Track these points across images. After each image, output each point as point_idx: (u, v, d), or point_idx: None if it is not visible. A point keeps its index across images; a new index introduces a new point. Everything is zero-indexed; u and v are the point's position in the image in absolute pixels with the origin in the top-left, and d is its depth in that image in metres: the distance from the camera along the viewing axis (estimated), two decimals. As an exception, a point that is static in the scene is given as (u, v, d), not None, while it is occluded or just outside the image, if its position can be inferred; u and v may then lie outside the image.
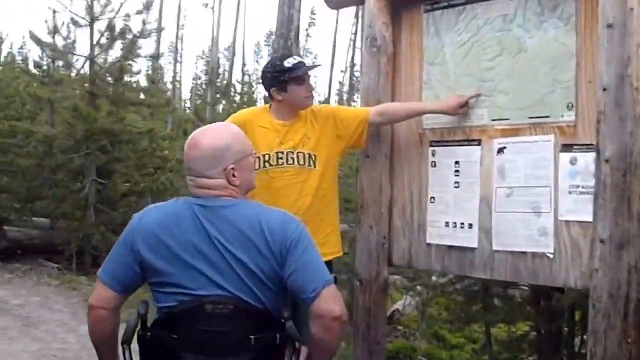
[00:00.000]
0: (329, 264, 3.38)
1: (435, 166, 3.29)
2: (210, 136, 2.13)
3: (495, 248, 3.03)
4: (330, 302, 2.01)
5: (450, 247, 3.21)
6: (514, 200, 2.98)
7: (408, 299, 7.43)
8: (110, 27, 8.66)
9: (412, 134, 3.40)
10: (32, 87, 9.21)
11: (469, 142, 3.18)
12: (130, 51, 8.89)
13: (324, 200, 3.32)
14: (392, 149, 3.47)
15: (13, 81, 11.65)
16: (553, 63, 2.87)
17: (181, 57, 39.40)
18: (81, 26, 8.84)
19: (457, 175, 3.20)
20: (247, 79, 32.91)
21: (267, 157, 3.32)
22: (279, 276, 2.05)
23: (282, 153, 3.31)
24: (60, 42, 9.72)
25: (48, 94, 8.94)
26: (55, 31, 9.49)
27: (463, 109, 3.16)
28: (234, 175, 2.11)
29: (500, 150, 3.05)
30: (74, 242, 8.20)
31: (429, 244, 3.31)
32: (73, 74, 10.32)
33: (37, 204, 8.92)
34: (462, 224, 3.17)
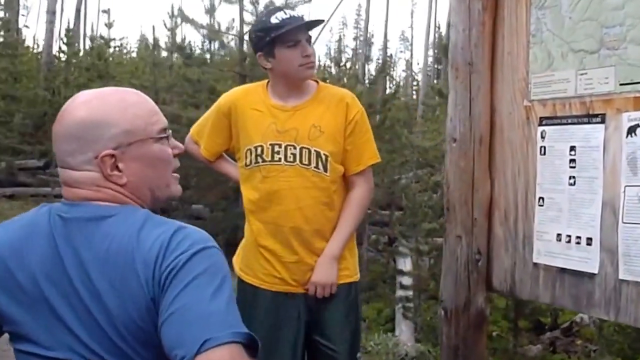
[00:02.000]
0: (346, 287, 2.78)
1: (544, 153, 2.41)
2: (86, 104, 1.42)
3: (622, 276, 2.11)
4: None
5: (562, 270, 2.33)
6: (649, 205, 2.03)
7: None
8: (254, 2, 8.34)
9: (516, 107, 2.53)
10: (182, 69, 9.18)
11: (589, 117, 2.25)
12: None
13: (334, 213, 2.68)
14: (491, 128, 2.62)
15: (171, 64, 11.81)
16: None
17: (411, 45, 40.51)
18: (232, 2, 8.64)
19: (573, 167, 2.30)
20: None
21: (259, 150, 2.67)
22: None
23: (280, 146, 2.65)
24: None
25: (198, 75, 8.87)
26: (212, 10, 9.41)
27: None
28: (117, 168, 1.41)
29: (632, 130, 2.11)
30: (221, 233, 8.00)
31: (535, 264, 2.43)
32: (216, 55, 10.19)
33: (186, 193, 8.90)
34: (578, 237, 2.26)
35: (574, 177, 2.29)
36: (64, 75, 16.14)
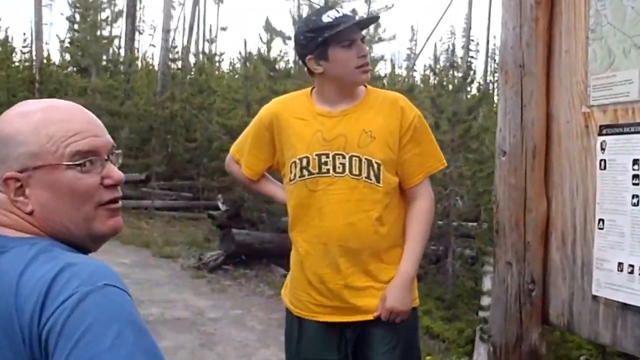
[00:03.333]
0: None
1: (604, 167, 2.03)
2: (15, 116, 1.21)
3: (693, 318, 1.71)
4: None
5: (625, 305, 1.94)
6: None
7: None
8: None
9: (574, 114, 2.17)
10: (269, 82, 9.05)
11: (655, 125, 1.87)
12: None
13: (391, 230, 2.37)
14: (547, 139, 2.26)
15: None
16: None
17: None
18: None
19: (636, 184, 1.92)
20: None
21: (304, 162, 2.38)
22: None
23: (327, 156, 2.35)
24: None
25: (284, 87, 8.72)
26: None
27: None
28: (23, 194, 1.18)
29: None
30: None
31: (595, 297, 2.05)
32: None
33: (273, 206, 8.69)
34: (643, 268, 1.88)
35: (637, 196, 1.91)
36: (170, 90, 16.49)
